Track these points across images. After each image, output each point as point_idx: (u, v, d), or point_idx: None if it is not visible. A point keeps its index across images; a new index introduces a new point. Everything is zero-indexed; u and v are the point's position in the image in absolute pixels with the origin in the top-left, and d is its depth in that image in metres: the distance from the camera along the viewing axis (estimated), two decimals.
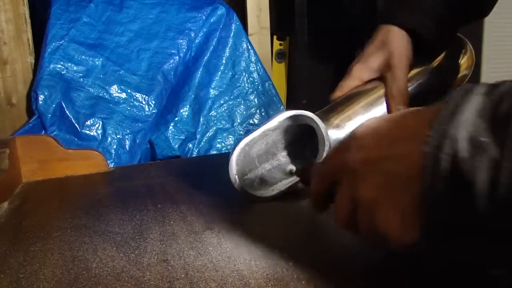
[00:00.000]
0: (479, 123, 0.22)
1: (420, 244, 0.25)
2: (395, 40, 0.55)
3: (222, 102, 1.27)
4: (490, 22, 1.86)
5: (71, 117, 1.09)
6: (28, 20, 1.15)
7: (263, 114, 1.29)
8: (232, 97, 1.28)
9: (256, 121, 1.28)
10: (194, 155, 1.20)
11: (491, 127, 0.21)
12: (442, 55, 0.59)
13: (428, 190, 0.23)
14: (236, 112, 1.27)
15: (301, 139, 0.49)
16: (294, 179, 0.48)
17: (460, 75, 0.61)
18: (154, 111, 1.15)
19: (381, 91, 0.55)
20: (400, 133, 0.27)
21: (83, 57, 1.12)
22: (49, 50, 1.09)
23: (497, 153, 0.20)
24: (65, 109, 1.08)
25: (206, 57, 1.25)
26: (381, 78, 0.56)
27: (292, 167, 0.49)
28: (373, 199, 0.27)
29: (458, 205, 0.22)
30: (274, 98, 1.32)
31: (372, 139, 0.28)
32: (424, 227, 0.24)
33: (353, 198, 0.29)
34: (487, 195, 0.20)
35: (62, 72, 1.10)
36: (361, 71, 0.56)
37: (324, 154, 0.47)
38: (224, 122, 1.26)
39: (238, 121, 1.27)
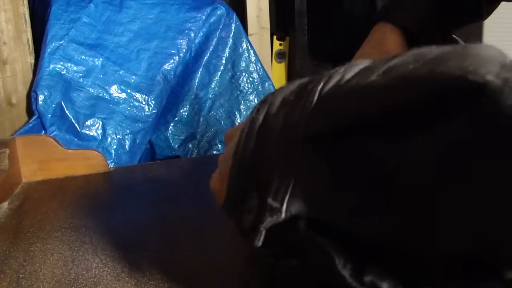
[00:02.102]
0: (294, 89, 0.24)
1: (227, 202, 0.26)
2: (391, 40, 0.54)
3: (222, 102, 1.27)
4: (490, 23, 1.86)
5: (71, 117, 1.09)
6: (28, 20, 1.15)
7: None
8: (232, 97, 1.28)
9: None
10: (194, 155, 1.20)
11: (300, 89, 0.24)
12: None
13: (241, 144, 0.25)
14: (236, 112, 1.28)
15: None
16: None
17: None
18: (154, 111, 1.15)
19: None
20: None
21: (83, 57, 1.12)
22: (49, 50, 1.09)
23: (293, 104, 0.23)
24: (65, 109, 1.08)
25: (206, 57, 1.25)
26: None
27: None
28: (219, 163, 0.30)
29: (259, 154, 0.24)
30: None
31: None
32: (230, 175, 0.26)
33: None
34: (279, 140, 0.23)
35: (62, 72, 1.10)
36: None
37: None
38: (224, 122, 1.26)
39: (238, 121, 1.27)
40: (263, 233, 0.22)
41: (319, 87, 0.22)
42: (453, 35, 0.61)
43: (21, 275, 0.33)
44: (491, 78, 0.15)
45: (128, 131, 1.12)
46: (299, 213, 0.21)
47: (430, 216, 0.17)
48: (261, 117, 0.25)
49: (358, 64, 0.22)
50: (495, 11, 0.59)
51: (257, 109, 0.25)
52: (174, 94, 1.21)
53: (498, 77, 0.15)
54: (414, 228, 0.17)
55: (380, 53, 0.55)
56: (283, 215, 0.21)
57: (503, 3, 0.58)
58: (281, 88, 0.26)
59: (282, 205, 0.21)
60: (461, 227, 0.16)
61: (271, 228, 0.22)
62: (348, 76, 0.21)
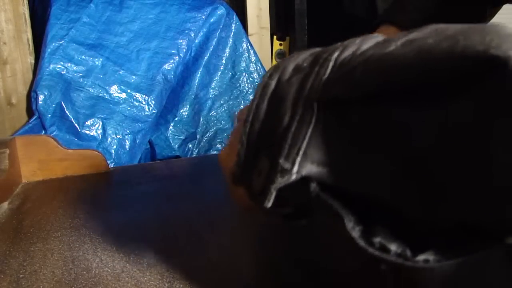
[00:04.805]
0: (306, 57, 0.25)
1: (237, 167, 0.26)
2: None
3: (222, 102, 1.27)
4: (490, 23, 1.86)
5: (71, 117, 1.09)
6: (28, 20, 1.15)
7: None
8: (232, 97, 1.28)
9: None
10: (194, 155, 1.20)
11: (313, 57, 0.24)
12: None
13: (252, 109, 0.25)
14: (236, 112, 1.27)
15: None
16: None
17: None
18: (154, 111, 1.15)
19: None
20: None
21: (83, 57, 1.12)
22: (49, 50, 1.09)
23: (308, 70, 0.23)
24: (65, 109, 1.08)
25: (206, 57, 1.25)
26: None
27: None
28: (229, 137, 0.31)
29: (272, 117, 0.24)
30: None
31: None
32: (241, 140, 0.26)
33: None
34: (293, 104, 0.23)
35: (62, 72, 1.10)
36: None
37: None
38: (224, 122, 1.26)
39: None
40: (273, 194, 0.23)
41: (335, 56, 0.22)
42: None
43: (21, 275, 0.33)
44: None
45: (128, 131, 1.12)
46: (310, 174, 0.21)
47: (441, 184, 0.17)
48: (273, 82, 0.25)
49: (374, 37, 0.23)
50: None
51: (270, 74, 0.26)
52: (174, 94, 1.21)
53: None
54: (423, 194, 0.18)
55: None
56: (294, 176, 0.22)
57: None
58: (291, 56, 0.26)
59: (293, 166, 0.22)
60: (470, 195, 0.17)
61: (280, 190, 0.23)
62: (365, 47, 0.22)
